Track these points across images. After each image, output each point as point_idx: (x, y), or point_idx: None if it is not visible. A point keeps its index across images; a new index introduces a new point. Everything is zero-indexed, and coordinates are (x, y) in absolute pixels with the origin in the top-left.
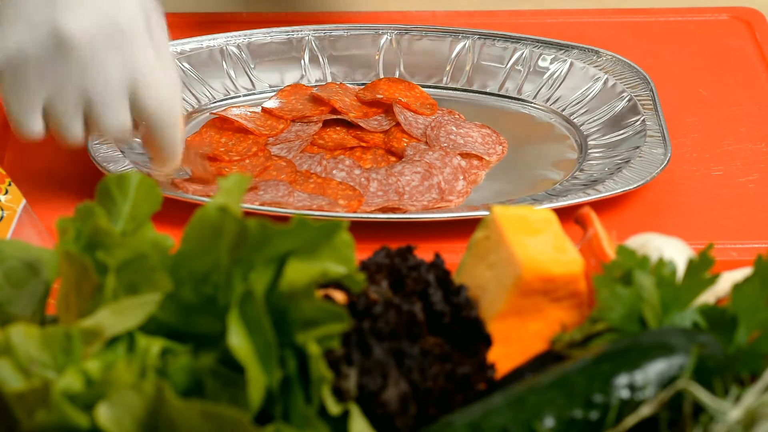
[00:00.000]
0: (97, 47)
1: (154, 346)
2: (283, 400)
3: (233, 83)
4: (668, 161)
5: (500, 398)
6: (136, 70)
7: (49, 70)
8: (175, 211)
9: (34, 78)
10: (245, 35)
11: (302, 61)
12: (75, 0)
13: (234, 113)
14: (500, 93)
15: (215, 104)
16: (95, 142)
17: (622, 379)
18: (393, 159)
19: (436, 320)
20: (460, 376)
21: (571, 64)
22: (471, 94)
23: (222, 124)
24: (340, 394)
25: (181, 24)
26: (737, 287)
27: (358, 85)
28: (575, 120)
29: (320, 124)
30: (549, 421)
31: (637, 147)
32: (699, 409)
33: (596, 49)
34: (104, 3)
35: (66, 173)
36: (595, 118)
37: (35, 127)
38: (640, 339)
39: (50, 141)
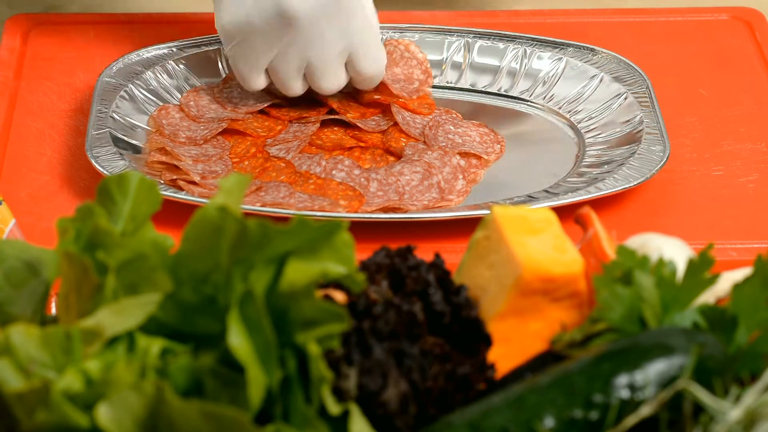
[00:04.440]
0: (318, 20)
1: (154, 346)
2: (283, 400)
3: None
4: (668, 158)
5: (500, 398)
6: (353, 40)
7: (274, 39)
8: (175, 211)
9: (260, 45)
10: None
11: None
12: None
13: None
14: (496, 92)
15: None
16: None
17: (622, 379)
18: (391, 159)
19: (436, 320)
20: (460, 376)
21: (567, 63)
22: (467, 93)
23: None
24: (340, 394)
25: (177, 24)
26: (737, 287)
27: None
28: (572, 118)
29: (318, 125)
30: (549, 421)
31: (636, 144)
32: (699, 409)
33: (592, 47)
34: None
35: (66, 173)
36: (592, 115)
37: (258, 84)
38: (640, 339)
39: (50, 142)
